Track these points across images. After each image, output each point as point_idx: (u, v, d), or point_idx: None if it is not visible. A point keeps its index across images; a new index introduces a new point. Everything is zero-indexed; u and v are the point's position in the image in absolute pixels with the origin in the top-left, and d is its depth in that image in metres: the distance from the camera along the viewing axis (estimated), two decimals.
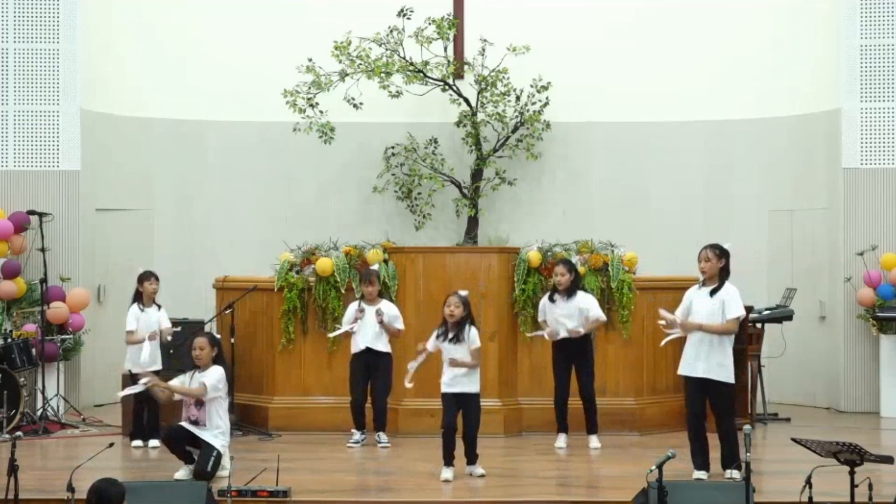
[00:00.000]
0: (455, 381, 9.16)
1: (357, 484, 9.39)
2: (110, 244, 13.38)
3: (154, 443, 10.58)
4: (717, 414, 8.94)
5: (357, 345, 10.73)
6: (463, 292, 9.32)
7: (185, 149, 14.01)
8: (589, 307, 10.50)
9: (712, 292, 8.99)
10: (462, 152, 13.86)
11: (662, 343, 9.46)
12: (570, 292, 10.48)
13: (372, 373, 10.76)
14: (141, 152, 13.81)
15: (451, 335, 9.17)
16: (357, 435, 10.77)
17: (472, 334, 9.19)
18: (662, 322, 9.14)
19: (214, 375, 9.01)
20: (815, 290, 13.43)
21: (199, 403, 9.01)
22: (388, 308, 10.78)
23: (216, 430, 9.05)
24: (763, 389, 12.25)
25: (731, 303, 8.91)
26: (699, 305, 9.00)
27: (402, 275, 11.45)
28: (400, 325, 10.77)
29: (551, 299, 10.55)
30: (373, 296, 10.73)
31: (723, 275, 9.06)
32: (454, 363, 9.11)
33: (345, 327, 10.79)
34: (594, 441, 10.66)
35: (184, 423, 9.07)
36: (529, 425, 11.38)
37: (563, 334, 10.41)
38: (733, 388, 9.02)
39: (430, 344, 9.29)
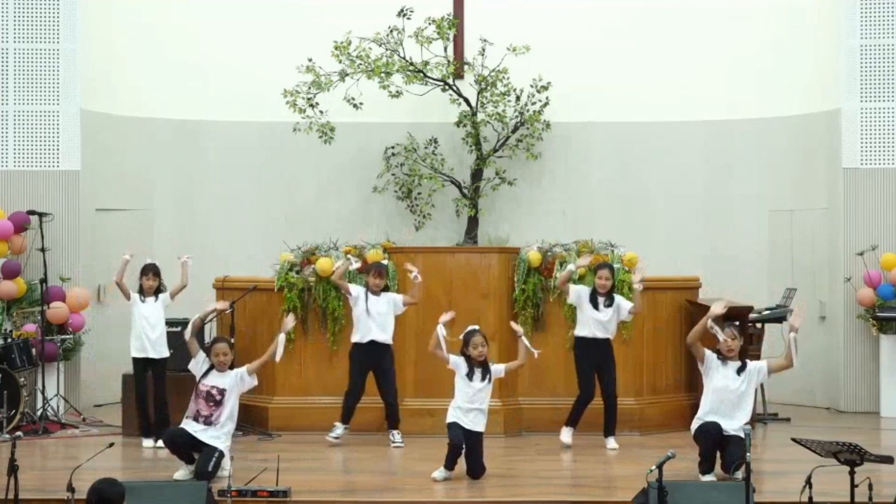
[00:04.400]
0: (469, 415, 9.25)
1: (357, 484, 9.39)
2: (110, 244, 13.36)
3: (158, 443, 10.54)
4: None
5: (362, 336, 10.72)
6: (476, 328, 9.44)
7: (185, 149, 14.01)
8: (622, 305, 10.54)
9: (739, 370, 9.09)
10: (462, 152, 13.86)
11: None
12: (610, 296, 10.52)
13: (374, 367, 10.74)
14: (141, 152, 13.81)
15: (477, 373, 9.29)
16: (339, 429, 10.71)
17: (495, 369, 9.40)
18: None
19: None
20: (815, 290, 13.43)
21: (215, 402, 9.06)
22: (395, 295, 10.85)
23: (221, 432, 9.07)
24: (763, 389, 12.23)
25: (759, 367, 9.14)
26: (728, 382, 9.06)
27: (402, 275, 11.44)
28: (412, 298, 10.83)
29: (593, 303, 10.52)
30: (378, 288, 10.75)
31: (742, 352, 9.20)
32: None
33: (351, 264, 10.92)
34: (611, 442, 10.60)
35: (186, 425, 9.09)
36: (529, 425, 11.39)
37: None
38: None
39: (452, 360, 9.35)
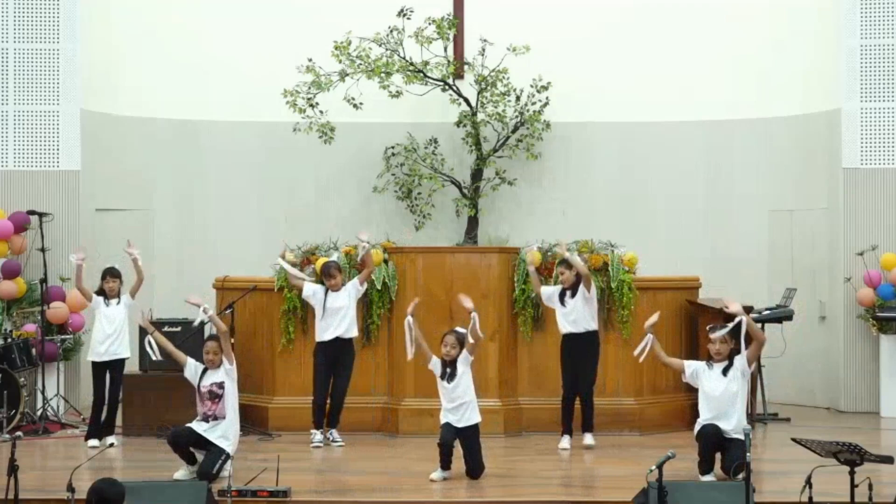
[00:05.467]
0: (458, 413, 9.20)
1: (357, 484, 9.38)
2: (110, 244, 13.35)
3: (111, 440, 10.62)
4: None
5: (323, 334, 10.73)
6: (461, 329, 9.32)
7: (185, 149, 14.01)
8: (585, 287, 10.45)
9: (725, 370, 9.08)
10: (462, 152, 13.86)
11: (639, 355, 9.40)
12: (575, 289, 10.50)
13: (335, 366, 10.75)
14: (141, 152, 13.81)
15: (448, 373, 9.23)
16: (318, 434, 10.73)
17: (462, 357, 9.23)
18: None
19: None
20: (815, 290, 13.43)
21: (218, 397, 9.07)
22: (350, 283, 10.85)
23: (229, 431, 9.08)
24: (763, 389, 12.24)
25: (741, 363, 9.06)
26: (714, 384, 9.06)
27: (401, 275, 11.45)
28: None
29: (562, 300, 10.55)
30: (337, 288, 10.76)
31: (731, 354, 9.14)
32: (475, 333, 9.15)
33: (295, 272, 10.93)
34: (588, 438, 10.60)
35: (194, 425, 9.11)
36: (529, 425, 11.39)
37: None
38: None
39: (432, 362, 9.31)
